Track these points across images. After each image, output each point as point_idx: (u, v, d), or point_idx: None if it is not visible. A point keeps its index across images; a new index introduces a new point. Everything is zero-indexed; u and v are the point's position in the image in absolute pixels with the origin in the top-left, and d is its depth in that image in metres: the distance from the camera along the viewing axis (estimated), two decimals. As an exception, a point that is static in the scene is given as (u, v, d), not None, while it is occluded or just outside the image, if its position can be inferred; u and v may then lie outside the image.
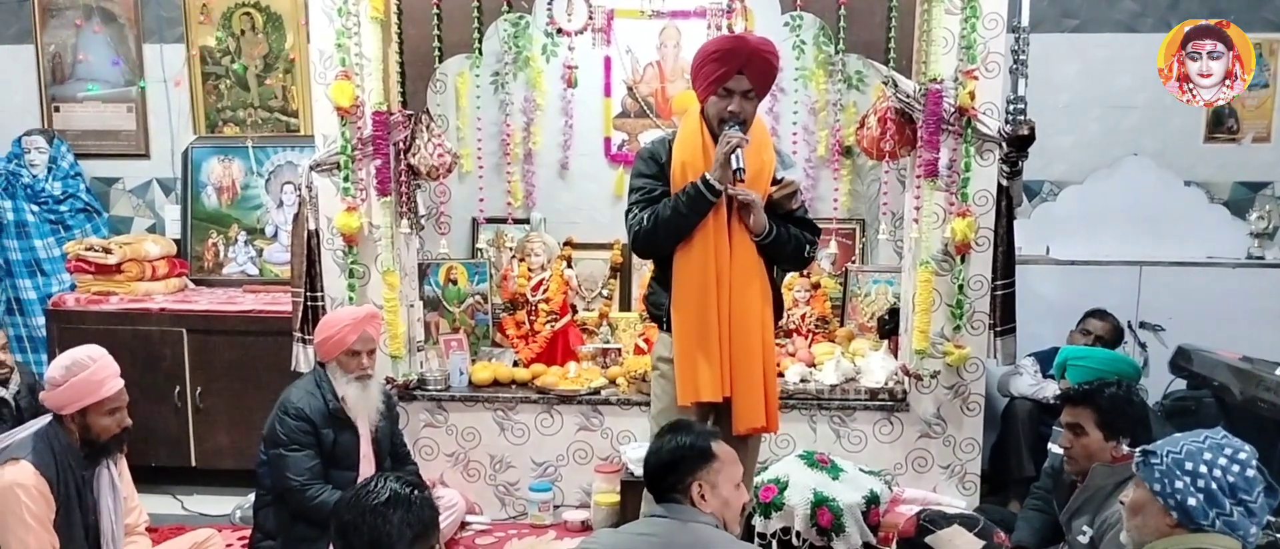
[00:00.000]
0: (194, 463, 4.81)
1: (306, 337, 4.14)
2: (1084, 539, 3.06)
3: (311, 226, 4.20)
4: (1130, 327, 4.81)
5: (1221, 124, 5.20)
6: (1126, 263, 4.94)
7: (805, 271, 4.68)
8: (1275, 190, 5.23)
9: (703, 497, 2.58)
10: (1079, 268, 4.96)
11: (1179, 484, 2.25)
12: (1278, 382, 3.99)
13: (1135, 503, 2.37)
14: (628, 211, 3.29)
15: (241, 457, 4.51)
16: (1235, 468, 2.24)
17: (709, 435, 2.70)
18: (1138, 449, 2.40)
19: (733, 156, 3.07)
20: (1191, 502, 2.23)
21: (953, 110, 3.90)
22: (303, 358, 4.19)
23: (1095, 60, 5.14)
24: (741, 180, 3.10)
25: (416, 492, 2.26)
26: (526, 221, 4.97)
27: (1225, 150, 5.22)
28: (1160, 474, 2.28)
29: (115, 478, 3.24)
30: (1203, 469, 2.24)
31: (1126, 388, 3.27)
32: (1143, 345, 4.89)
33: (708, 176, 3.10)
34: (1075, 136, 5.19)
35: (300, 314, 4.20)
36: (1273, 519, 3.12)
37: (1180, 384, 4.58)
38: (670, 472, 2.61)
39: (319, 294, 4.22)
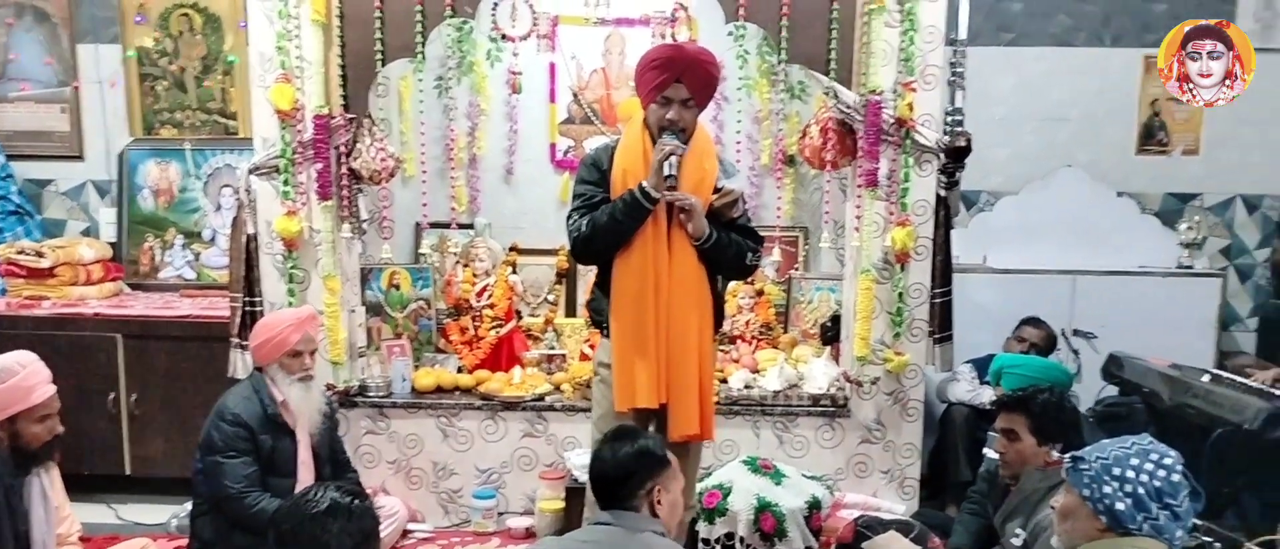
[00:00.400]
0: (129, 471, 4.70)
1: (244, 342, 4.08)
2: (1017, 542, 3.13)
3: (250, 231, 4.15)
4: (1064, 334, 4.92)
5: (1152, 137, 5.36)
6: (1061, 272, 5.07)
7: (749, 279, 4.73)
8: (1204, 201, 5.39)
9: (659, 503, 2.60)
10: (1015, 277, 5.07)
11: (1107, 489, 2.30)
12: (1205, 388, 4.11)
13: (1065, 508, 2.42)
14: (568, 217, 3.32)
15: (178, 464, 4.42)
16: (1161, 473, 2.29)
17: (660, 442, 2.72)
18: (1067, 455, 2.46)
19: (666, 163, 3.10)
20: (1119, 506, 2.28)
21: (892, 121, 3.96)
22: (240, 364, 4.13)
23: (1031, 74, 5.26)
24: (673, 187, 3.13)
25: (356, 500, 2.25)
26: (471, 227, 4.95)
27: (1156, 162, 5.38)
28: (1089, 479, 2.33)
29: (46, 487, 3.17)
30: (1130, 474, 2.29)
31: (1059, 394, 3.35)
32: (1076, 353, 5.01)
33: (645, 184, 3.13)
34: (1011, 148, 5.30)
35: (238, 319, 4.14)
36: (1199, 522, 3.22)
37: (1112, 391, 4.71)
38: (628, 478, 2.61)
39: (258, 299, 4.17)
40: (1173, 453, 2.35)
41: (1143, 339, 4.75)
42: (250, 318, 4.10)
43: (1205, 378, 4.20)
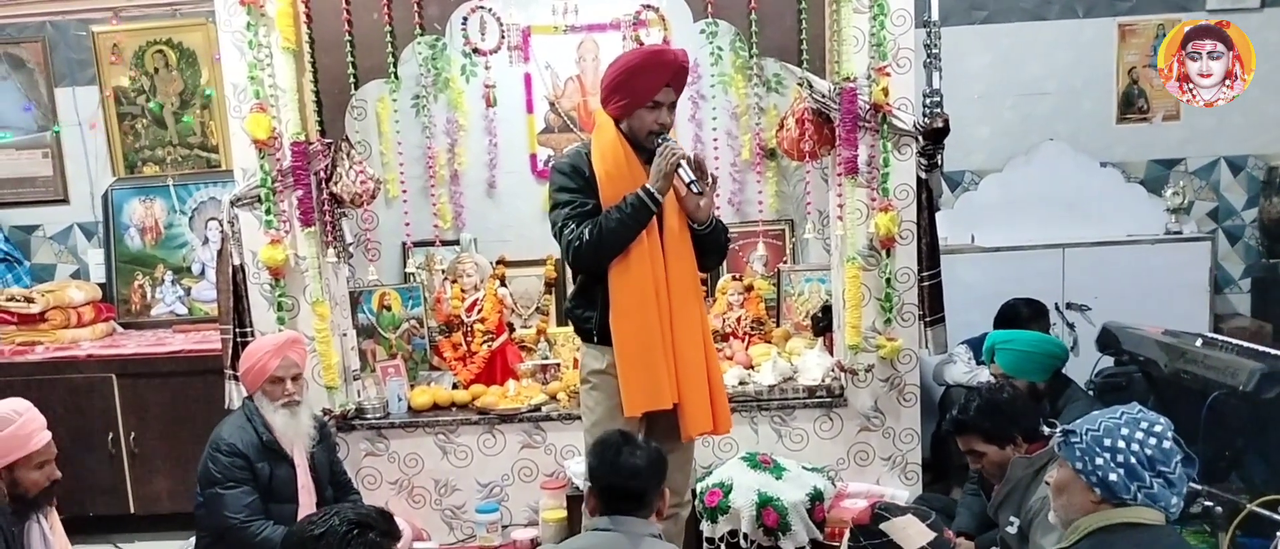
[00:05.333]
0: (133, 510, 4.72)
1: (238, 373, 4.08)
2: (1013, 530, 3.13)
3: (236, 262, 4.15)
4: (1058, 308, 4.91)
5: (1132, 105, 5.35)
6: (1050, 246, 5.05)
7: (737, 274, 4.74)
8: (1188, 166, 5.38)
9: (662, 506, 2.66)
10: (1004, 254, 5.05)
11: (1099, 460, 2.30)
12: (1201, 353, 4.08)
13: (1059, 482, 2.42)
14: (560, 227, 3.24)
15: (181, 500, 4.43)
16: (1152, 441, 2.29)
17: (657, 445, 2.79)
18: (1059, 429, 2.46)
19: (680, 169, 3.15)
20: (1113, 477, 2.28)
21: (868, 107, 3.95)
22: (236, 395, 4.12)
23: (1006, 49, 5.26)
24: (695, 192, 3.20)
25: (371, 517, 2.28)
26: (456, 243, 4.95)
27: (1138, 130, 5.37)
28: (1081, 452, 2.33)
29: (46, 531, 3.16)
30: (1121, 444, 2.29)
31: (988, 394, 3.36)
32: (1071, 326, 4.99)
33: (651, 188, 3.14)
34: (991, 126, 5.30)
35: (230, 351, 4.14)
36: (1200, 487, 3.21)
37: (1108, 361, 4.67)
38: (648, 489, 2.66)
39: (248, 329, 4.17)
40: (1163, 420, 2.34)
41: (1136, 308, 4.71)
42: (242, 349, 4.10)
43: (1198, 342, 4.18)
